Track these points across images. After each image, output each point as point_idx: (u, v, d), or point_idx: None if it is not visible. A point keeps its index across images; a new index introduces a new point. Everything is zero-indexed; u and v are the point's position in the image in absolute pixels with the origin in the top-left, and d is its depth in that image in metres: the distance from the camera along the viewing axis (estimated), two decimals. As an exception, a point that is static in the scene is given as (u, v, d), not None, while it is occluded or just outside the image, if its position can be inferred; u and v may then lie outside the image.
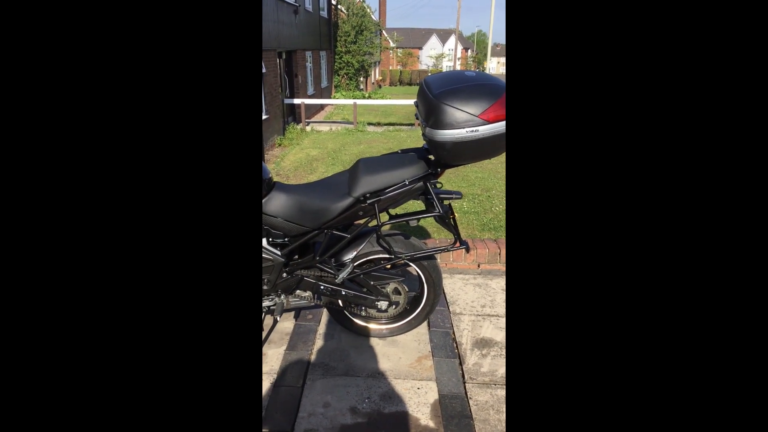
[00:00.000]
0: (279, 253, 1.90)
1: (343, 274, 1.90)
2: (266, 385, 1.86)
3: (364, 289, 2.04)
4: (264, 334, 2.20)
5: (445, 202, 1.83)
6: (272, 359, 2.01)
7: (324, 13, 14.69)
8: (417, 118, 1.84)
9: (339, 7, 16.54)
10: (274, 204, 1.85)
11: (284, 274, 1.95)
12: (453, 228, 1.86)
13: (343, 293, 1.99)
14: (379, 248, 1.96)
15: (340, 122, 11.78)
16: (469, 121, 1.53)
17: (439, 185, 1.84)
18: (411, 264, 2.01)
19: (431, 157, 1.81)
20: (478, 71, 1.70)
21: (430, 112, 1.58)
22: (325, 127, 10.76)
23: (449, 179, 5.13)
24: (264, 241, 1.89)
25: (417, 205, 1.93)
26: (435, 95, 1.58)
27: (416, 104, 1.83)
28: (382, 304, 2.03)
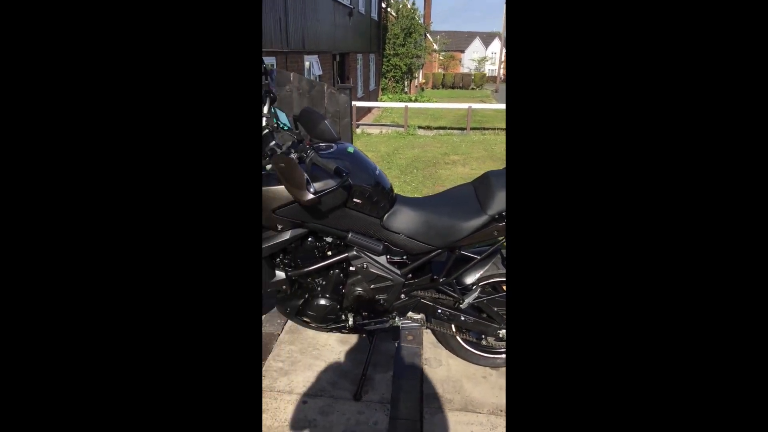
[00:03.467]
0: (399, 272, 1.75)
1: (469, 299, 1.73)
2: (381, 415, 1.71)
3: (484, 315, 1.86)
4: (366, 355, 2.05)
5: None
6: (381, 385, 1.86)
7: (374, 16, 14.65)
8: None
9: (388, 9, 16.47)
10: (397, 219, 1.70)
11: (402, 295, 1.80)
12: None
13: (463, 319, 1.82)
14: (504, 270, 1.78)
15: (389, 125, 11.65)
16: None
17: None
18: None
19: None
20: None
21: None
22: (375, 130, 10.66)
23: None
24: (383, 259, 1.75)
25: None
26: None
27: None
28: (504, 332, 1.85)
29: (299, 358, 2.00)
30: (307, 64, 7.63)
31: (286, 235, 1.66)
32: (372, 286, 1.75)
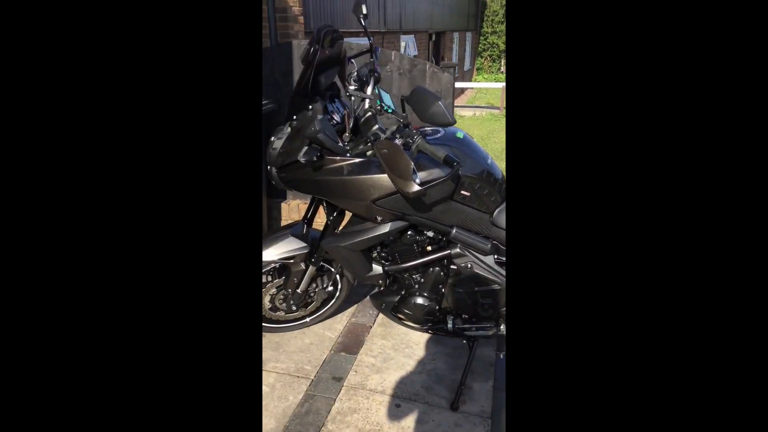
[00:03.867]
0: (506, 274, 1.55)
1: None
2: (481, 430, 1.55)
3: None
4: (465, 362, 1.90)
5: None
6: (480, 396, 1.69)
7: (473, -9, 13.97)
8: None
9: (488, -16, 15.62)
10: (509, 215, 1.50)
11: (510, 301, 1.60)
12: None
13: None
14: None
15: (483, 107, 11.12)
16: None
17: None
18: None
19: None
20: None
21: None
22: (468, 112, 10.23)
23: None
24: (490, 260, 1.56)
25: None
26: None
27: None
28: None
29: (392, 355, 1.90)
30: (403, 44, 7.47)
31: (386, 228, 1.54)
32: (476, 289, 1.58)
